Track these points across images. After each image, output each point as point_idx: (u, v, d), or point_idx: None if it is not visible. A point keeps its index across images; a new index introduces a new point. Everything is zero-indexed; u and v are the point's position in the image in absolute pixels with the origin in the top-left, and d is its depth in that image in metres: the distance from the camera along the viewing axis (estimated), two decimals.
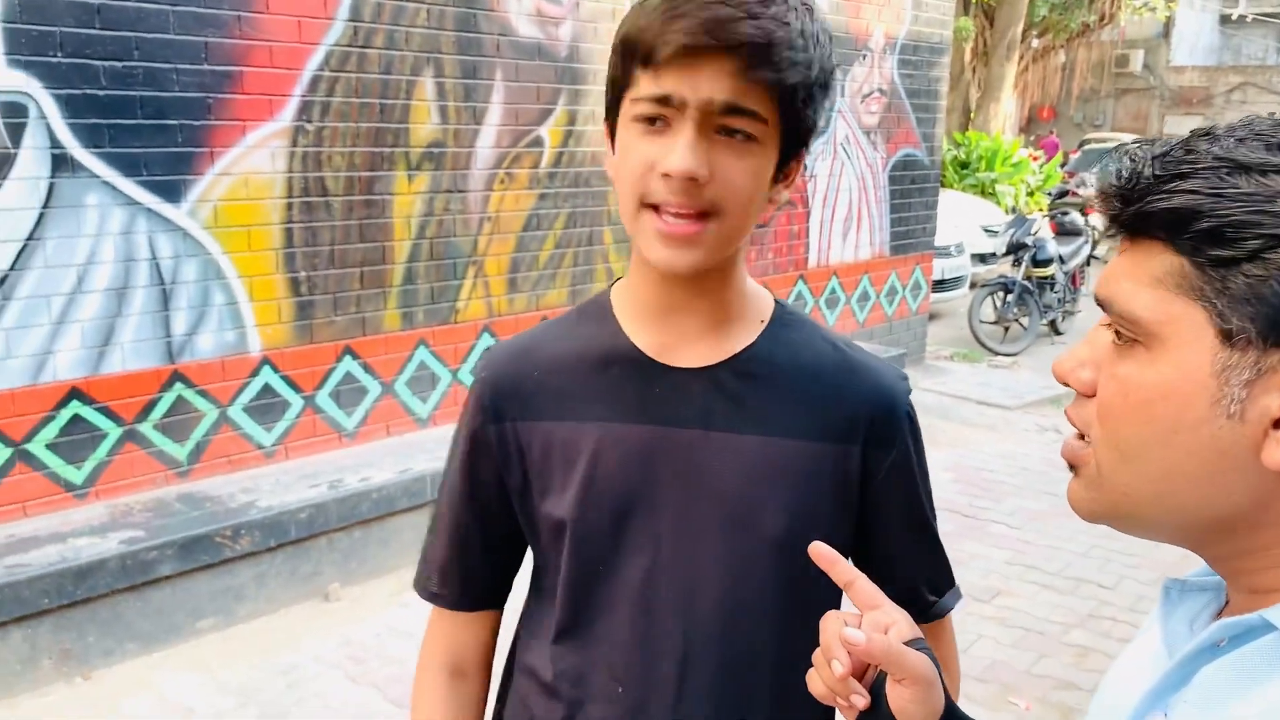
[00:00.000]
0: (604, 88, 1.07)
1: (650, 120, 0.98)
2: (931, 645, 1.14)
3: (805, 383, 1.12)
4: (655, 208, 1.00)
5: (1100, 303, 0.73)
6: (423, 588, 1.26)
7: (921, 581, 1.20)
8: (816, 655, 0.87)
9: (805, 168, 1.11)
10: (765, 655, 1.12)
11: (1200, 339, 0.66)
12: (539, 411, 1.14)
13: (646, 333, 1.11)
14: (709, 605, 1.10)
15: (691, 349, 1.10)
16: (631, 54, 0.98)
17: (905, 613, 0.89)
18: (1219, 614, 0.76)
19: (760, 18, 0.93)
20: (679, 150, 0.96)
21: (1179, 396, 0.67)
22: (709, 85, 0.94)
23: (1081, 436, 0.76)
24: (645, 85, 0.98)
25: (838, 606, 1.14)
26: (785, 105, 0.98)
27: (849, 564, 0.93)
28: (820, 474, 1.10)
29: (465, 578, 1.23)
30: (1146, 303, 0.68)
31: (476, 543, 1.21)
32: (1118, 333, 0.71)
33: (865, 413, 1.12)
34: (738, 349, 1.11)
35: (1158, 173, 0.68)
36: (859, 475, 1.12)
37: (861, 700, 0.84)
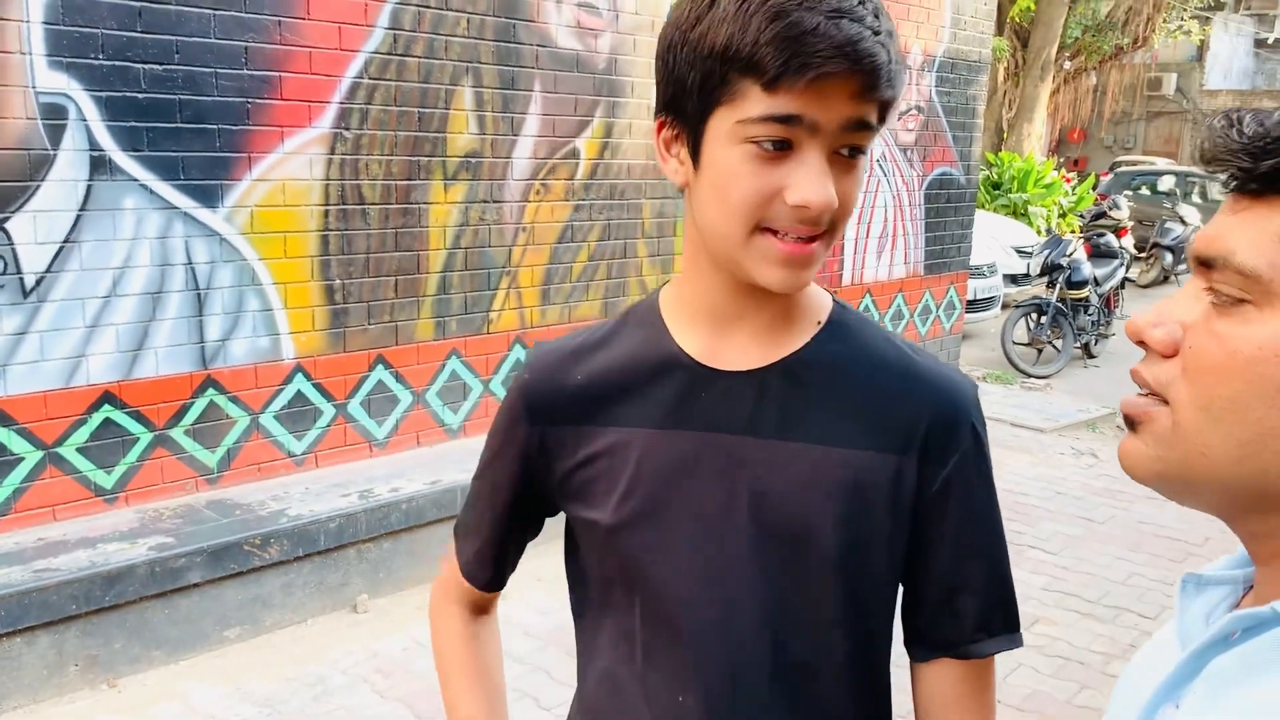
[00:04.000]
0: (662, 91, 0.99)
1: (776, 144, 0.91)
2: (953, 689, 1.08)
3: (860, 388, 1.04)
4: (773, 230, 0.95)
5: (1206, 260, 0.70)
6: (466, 571, 1.27)
7: (968, 614, 1.07)
8: None
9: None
10: (816, 666, 1.07)
11: None
12: (580, 416, 1.10)
13: (695, 337, 1.06)
14: (754, 617, 1.05)
15: (741, 352, 1.05)
16: (738, 67, 0.90)
17: None
18: (1235, 607, 0.75)
19: (880, 32, 0.89)
20: (815, 181, 0.91)
21: None
22: (841, 106, 0.90)
23: (1149, 394, 0.74)
24: (761, 104, 0.90)
25: (890, 619, 1.10)
26: (885, 113, 0.95)
27: None
28: (872, 485, 1.03)
29: (481, 562, 1.25)
30: (1271, 259, 0.66)
31: (499, 531, 1.22)
32: (1217, 291, 0.69)
33: (924, 421, 1.03)
34: (788, 351, 1.05)
35: None
36: (913, 489, 1.04)
37: None
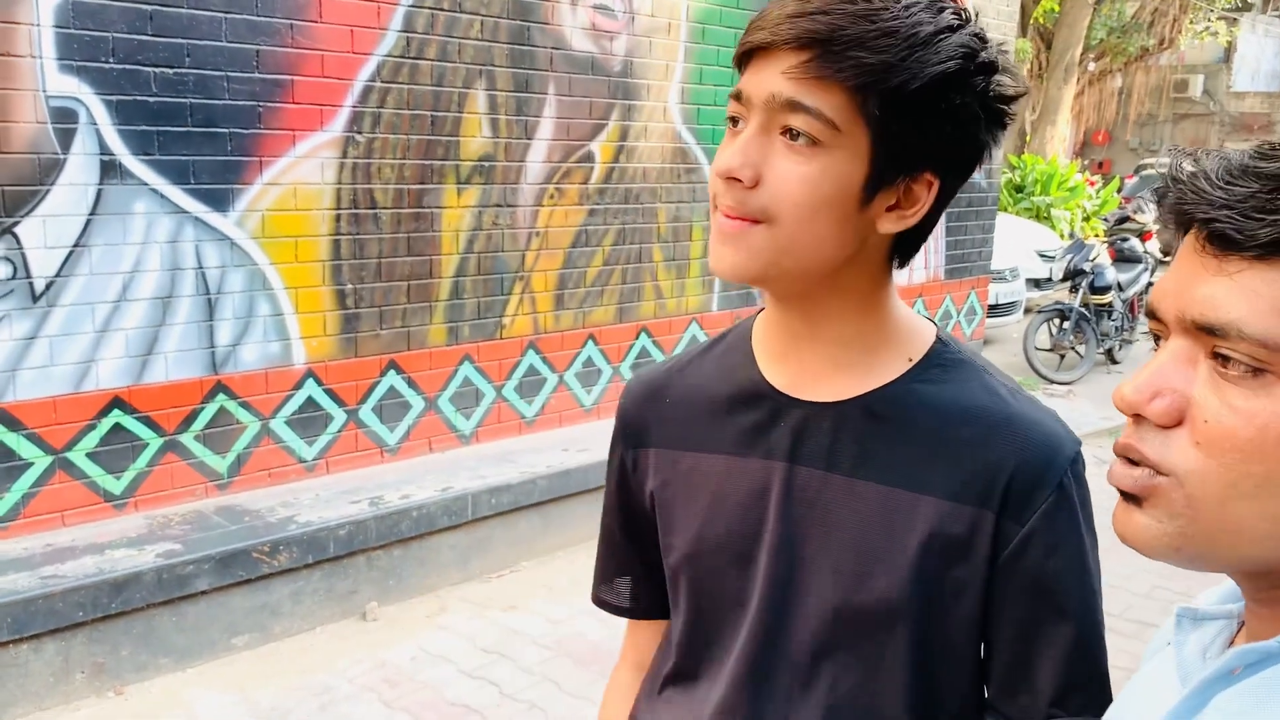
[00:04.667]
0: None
1: (734, 121, 0.95)
2: None
3: (946, 431, 0.98)
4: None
5: (1205, 328, 0.66)
6: (595, 595, 1.29)
7: (1042, 688, 0.98)
8: None
9: (945, 204, 0.99)
10: (864, 711, 1.02)
11: None
12: (668, 440, 1.12)
13: (777, 364, 1.05)
14: (813, 655, 1.03)
15: (823, 383, 1.02)
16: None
17: None
18: (1231, 641, 0.75)
19: (832, 12, 0.87)
20: (730, 148, 0.93)
21: None
22: (771, 81, 0.90)
23: (1134, 464, 0.70)
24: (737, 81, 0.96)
25: (968, 681, 1.03)
26: (869, 106, 0.88)
27: None
28: (945, 535, 0.97)
29: (631, 591, 1.25)
30: None
31: (634, 559, 1.22)
32: (1224, 359, 0.65)
33: (1007, 471, 0.96)
34: (872, 387, 1.00)
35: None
36: (989, 544, 0.97)
37: None
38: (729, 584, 1.06)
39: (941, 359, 1.03)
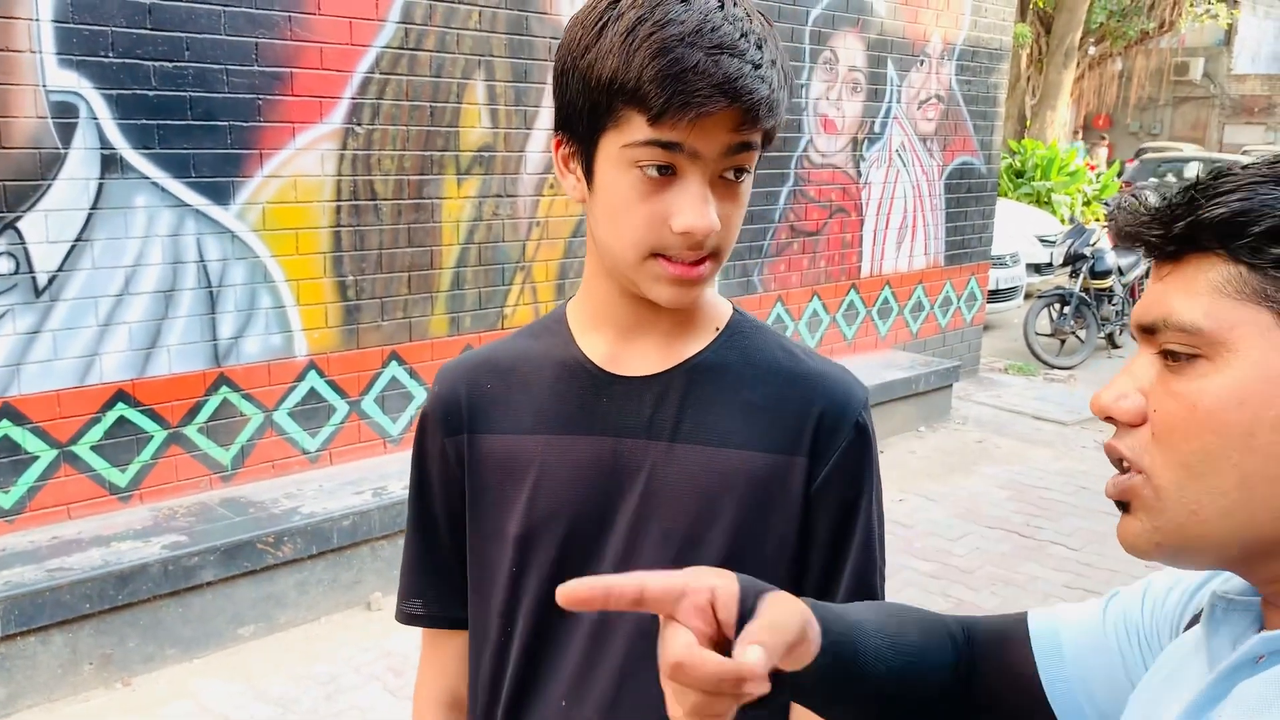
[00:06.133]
0: (558, 110, 1.01)
1: (661, 169, 0.94)
2: None
3: (753, 391, 1.07)
4: (664, 255, 0.98)
5: (1147, 327, 0.73)
6: (402, 613, 1.22)
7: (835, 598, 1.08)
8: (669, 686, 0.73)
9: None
10: None
11: (1268, 339, 0.67)
12: (488, 424, 1.12)
13: (599, 344, 1.09)
14: (650, 618, 1.04)
15: (641, 358, 1.08)
16: (623, 99, 0.92)
17: (723, 572, 0.78)
18: (1261, 630, 0.76)
19: (761, 65, 0.92)
20: (695, 208, 0.94)
21: (1256, 398, 0.67)
22: (721, 136, 0.93)
23: (1125, 470, 0.75)
24: (643, 130, 0.93)
25: None
26: (769, 130, 0.97)
27: (612, 580, 0.75)
28: (764, 486, 1.05)
29: (440, 595, 1.19)
30: (1208, 312, 0.69)
31: (448, 555, 1.18)
32: (1169, 355, 0.72)
33: (811, 421, 1.06)
34: (686, 357, 1.08)
35: (1199, 189, 0.71)
36: (802, 488, 1.06)
37: (759, 687, 0.70)
38: (563, 563, 1.07)
39: (742, 327, 1.12)
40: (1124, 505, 0.75)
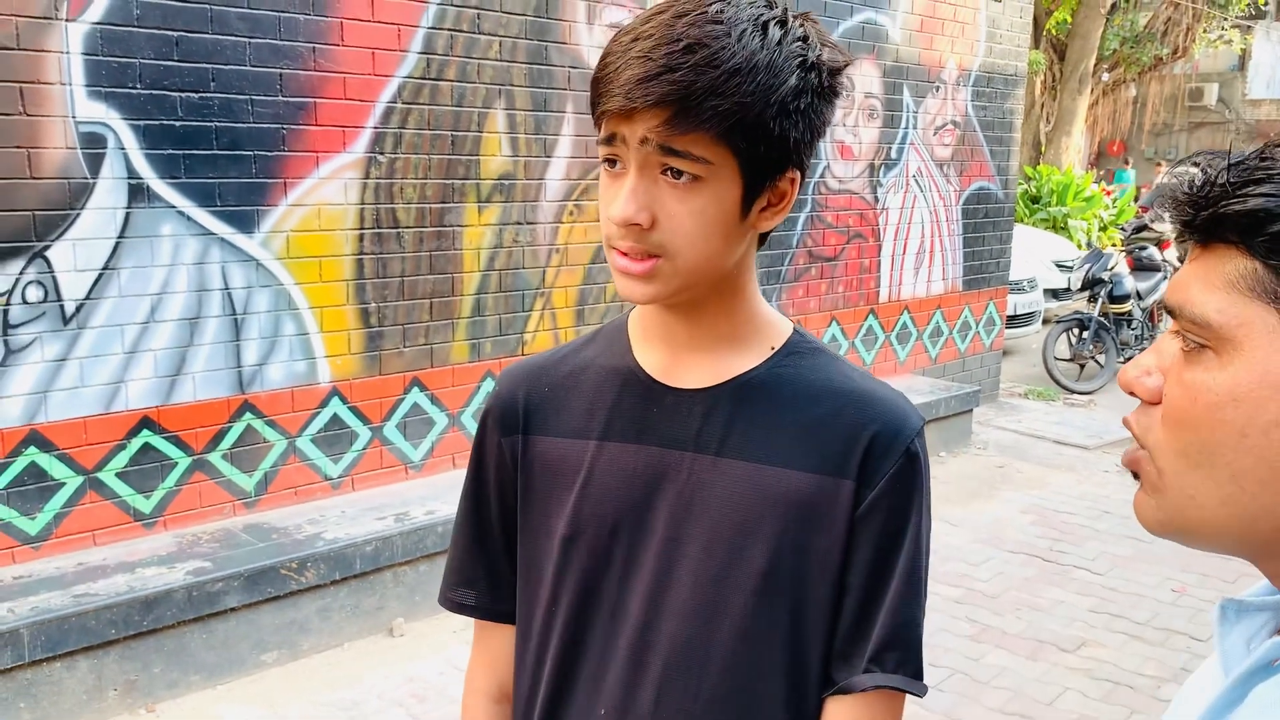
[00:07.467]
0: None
1: (610, 162, 1.00)
2: None
3: (803, 411, 1.08)
4: (615, 246, 1.02)
5: (1170, 309, 0.73)
6: (450, 601, 1.25)
7: (862, 639, 1.05)
8: None
9: (803, 182, 1.07)
10: (749, 681, 1.08)
11: (1272, 341, 0.67)
12: (543, 426, 1.15)
13: (653, 354, 1.12)
14: (690, 630, 1.07)
15: (693, 371, 1.10)
16: (593, 97, 1.00)
17: None
18: (1277, 632, 0.75)
19: (679, 69, 0.92)
20: (621, 196, 0.97)
21: (1251, 400, 0.67)
22: (643, 130, 0.95)
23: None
24: (603, 128, 0.99)
25: (824, 640, 1.08)
26: (734, 140, 0.95)
27: None
28: (809, 505, 1.05)
29: (492, 586, 1.22)
30: (1218, 306, 0.69)
31: (500, 550, 1.21)
32: (1185, 339, 0.72)
33: (862, 444, 1.06)
34: (739, 372, 1.09)
35: (1232, 179, 0.69)
36: (848, 511, 1.05)
37: None
38: (606, 568, 1.10)
39: (799, 347, 1.12)
40: (1137, 477, 0.77)
